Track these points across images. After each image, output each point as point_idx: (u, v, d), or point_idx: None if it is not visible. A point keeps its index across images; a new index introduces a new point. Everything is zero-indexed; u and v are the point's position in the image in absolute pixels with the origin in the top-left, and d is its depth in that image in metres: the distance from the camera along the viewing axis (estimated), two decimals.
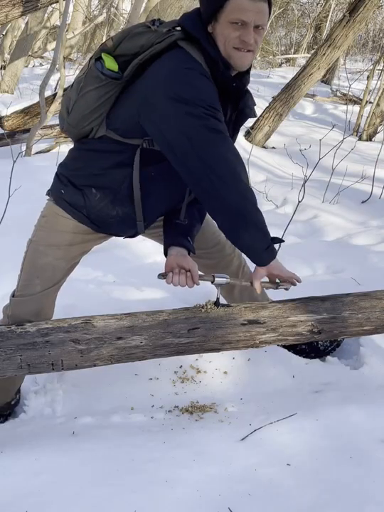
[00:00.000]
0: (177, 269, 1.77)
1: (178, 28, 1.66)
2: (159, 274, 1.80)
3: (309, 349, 2.31)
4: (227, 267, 2.09)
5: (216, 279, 1.81)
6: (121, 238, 1.98)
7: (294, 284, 1.82)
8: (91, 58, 1.69)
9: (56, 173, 1.87)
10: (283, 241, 1.80)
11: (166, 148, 1.63)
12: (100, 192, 1.76)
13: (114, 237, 2.15)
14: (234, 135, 1.79)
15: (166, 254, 1.85)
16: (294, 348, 2.31)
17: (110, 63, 1.63)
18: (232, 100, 1.70)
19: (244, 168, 1.67)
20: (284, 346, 2.31)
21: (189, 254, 1.84)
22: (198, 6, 1.69)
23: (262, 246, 1.71)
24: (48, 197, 1.89)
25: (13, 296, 1.91)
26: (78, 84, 1.70)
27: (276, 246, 1.76)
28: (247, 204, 1.65)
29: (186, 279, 1.77)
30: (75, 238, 1.85)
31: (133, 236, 1.93)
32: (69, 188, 1.80)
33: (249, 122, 6.26)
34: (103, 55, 1.64)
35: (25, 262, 1.90)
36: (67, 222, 1.82)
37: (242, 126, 1.89)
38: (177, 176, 1.68)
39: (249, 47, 1.62)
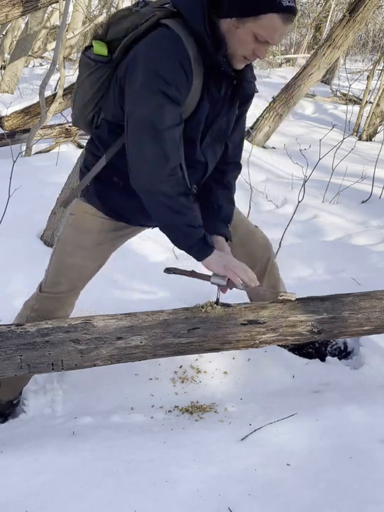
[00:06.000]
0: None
1: (166, 5, 1.61)
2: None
3: (316, 355, 2.32)
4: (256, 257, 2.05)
5: (212, 279, 1.80)
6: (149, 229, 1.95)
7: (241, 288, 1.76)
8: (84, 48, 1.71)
9: (80, 170, 1.86)
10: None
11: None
12: (119, 180, 1.74)
13: None
14: (231, 109, 1.73)
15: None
16: (300, 351, 2.31)
17: (99, 49, 1.64)
18: (227, 76, 1.64)
19: (174, 171, 1.60)
20: (290, 349, 2.31)
21: (226, 241, 1.83)
22: None
23: (185, 246, 1.69)
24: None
25: (40, 290, 1.93)
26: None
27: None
28: (158, 203, 1.62)
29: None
30: (103, 237, 1.84)
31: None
32: (93, 180, 1.77)
33: (249, 122, 6.26)
34: (94, 42, 1.65)
35: (53, 259, 1.90)
36: (95, 220, 1.81)
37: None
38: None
39: (255, 59, 1.61)
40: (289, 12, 1.50)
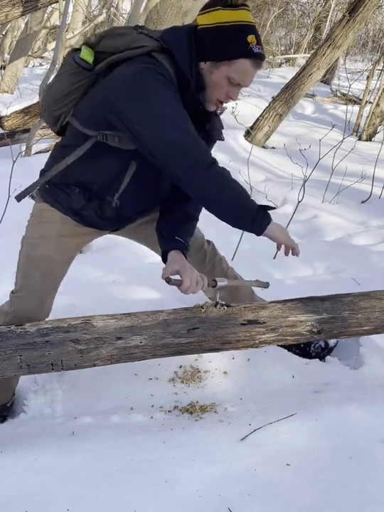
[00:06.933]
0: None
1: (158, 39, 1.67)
2: (168, 280, 1.78)
3: (302, 355, 2.31)
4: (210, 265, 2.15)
5: (218, 283, 1.80)
6: (120, 237, 1.99)
7: (291, 254, 1.83)
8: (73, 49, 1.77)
9: (41, 171, 1.88)
10: (273, 208, 1.71)
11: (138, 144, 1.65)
12: (75, 187, 1.79)
13: (114, 237, 2.15)
14: None
15: (164, 260, 1.84)
16: (292, 350, 2.31)
17: (86, 55, 1.69)
18: (199, 121, 1.72)
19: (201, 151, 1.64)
20: (285, 347, 2.31)
21: (183, 252, 1.82)
22: (193, 17, 1.70)
23: (247, 221, 1.68)
24: (33, 200, 1.92)
25: (12, 292, 1.93)
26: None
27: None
28: (215, 185, 1.62)
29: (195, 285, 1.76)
30: (63, 229, 1.86)
31: (116, 230, 1.97)
32: (51, 184, 1.82)
33: (250, 122, 6.27)
34: (83, 47, 1.70)
35: (20, 258, 1.93)
36: (54, 213, 1.85)
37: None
38: (143, 175, 1.75)
39: (229, 101, 1.73)
40: (259, 58, 1.66)
